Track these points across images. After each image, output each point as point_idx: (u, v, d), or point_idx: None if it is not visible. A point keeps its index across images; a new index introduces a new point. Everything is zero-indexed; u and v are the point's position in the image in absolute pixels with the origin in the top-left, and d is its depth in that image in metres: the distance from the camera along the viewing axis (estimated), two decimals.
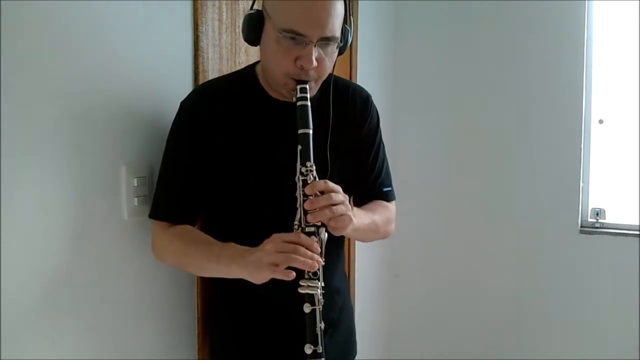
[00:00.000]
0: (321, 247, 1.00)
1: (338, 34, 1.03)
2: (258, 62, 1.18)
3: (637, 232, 2.19)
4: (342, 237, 1.25)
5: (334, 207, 0.99)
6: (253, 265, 0.98)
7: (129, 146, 1.17)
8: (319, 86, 1.12)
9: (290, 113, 1.05)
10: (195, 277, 1.35)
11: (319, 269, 0.99)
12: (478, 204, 2.43)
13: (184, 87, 1.26)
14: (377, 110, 1.27)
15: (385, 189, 1.27)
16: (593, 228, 2.27)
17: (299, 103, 1.03)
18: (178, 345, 1.32)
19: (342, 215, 1.00)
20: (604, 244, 2.24)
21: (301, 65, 1.02)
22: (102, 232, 1.12)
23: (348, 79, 1.90)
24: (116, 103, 1.13)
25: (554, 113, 2.27)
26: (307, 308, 1.00)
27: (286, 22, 0.99)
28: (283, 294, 1.00)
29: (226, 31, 1.40)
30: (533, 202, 2.33)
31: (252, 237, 1.03)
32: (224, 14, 1.39)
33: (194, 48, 1.31)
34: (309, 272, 0.99)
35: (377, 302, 2.46)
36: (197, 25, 1.30)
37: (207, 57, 1.34)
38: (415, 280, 2.57)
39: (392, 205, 1.29)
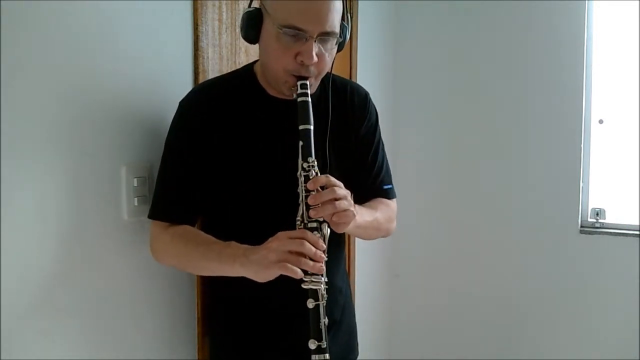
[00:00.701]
0: (324, 243, 1.00)
1: (337, 29, 1.04)
2: (256, 61, 1.18)
3: (637, 232, 2.19)
4: (343, 236, 1.25)
5: (337, 202, 0.99)
6: (258, 264, 0.98)
7: (129, 146, 1.17)
8: (318, 82, 1.12)
9: (289, 111, 1.05)
10: (195, 277, 1.35)
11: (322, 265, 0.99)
12: (478, 204, 2.43)
13: (184, 87, 1.26)
14: (375, 108, 1.28)
15: (385, 187, 1.28)
16: (593, 228, 2.27)
17: (299, 99, 1.04)
18: (178, 345, 1.32)
19: (344, 210, 1.00)
20: (604, 244, 2.24)
21: (301, 61, 1.02)
22: (102, 232, 1.12)
23: (348, 78, 1.90)
24: (116, 103, 1.13)
25: (554, 113, 2.27)
26: (310, 303, 0.99)
27: (286, 18, 0.99)
28: (283, 293, 1.00)
29: (226, 31, 1.40)
30: (533, 202, 2.33)
31: (253, 235, 1.03)
32: (224, 14, 1.39)
33: (194, 48, 1.31)
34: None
35: (377, 302, 2.46)
36: (197, 25, 1.30)
37: (207, 57, 1.34)
38: (415, 280, 2.57)
39: (393, 203, 1.29)
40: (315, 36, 1.00)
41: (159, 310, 1.27)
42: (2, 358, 0.93)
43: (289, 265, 0.94)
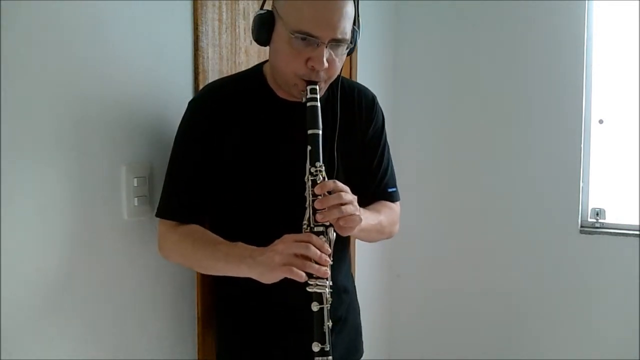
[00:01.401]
0: (330, 247, 1.01)
1: (349, 35, 1.04)
2: (266, 61, 1.18)
3: (637, 232, 2.19)
4: (348, 237, 1.26)
5: (343, 207, 0.99)
6: (264, 265, 0.98)
7: (129, 146, 1.17)
8: (327, 86, 1.13)
9: (298, 113, 1.06)
10: (195, 278, 1.35)
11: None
12: (478, 204, 2.43)
13: (184, 87, 1.26)
14: (382, 111, 1.28)
15: (390, 190, 1.28)
16: (593, 228, 2.27)
17: (309, 104, 1.04)
18: (178, 345, 1.32)
19: (351, 215, 1.01)
20: (604, 244, 2.23)
21: (312, 66, 1.02)
22: (102, 232, 1.12)
23: (348, 78, 1.89)
24: (116, 103, 1.13)
25: (554, 113, 2.27)
26: (315, 307, 1.00)
27: (298, 24, 1.00)
28: (289, 294, 1.00)
29: (226, 31, 1.40)
30: (533, 202, 2.33)
31: (259, 237, 1.03)
32: (224, 14, 1.39)
33: (194, 48, 1.31)
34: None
35: (377, 302, 2.46)
36: (197, 25, 1.31)
37: (207, 57, 1.34)
38: (416, 280, 2.57)
39: (396, 206, 1.30)
40: (326, 42, 1.01)
41: (159, 309, 1.27)
42: (2, 358, 0.93)
43: (294, 269, 0.95)
